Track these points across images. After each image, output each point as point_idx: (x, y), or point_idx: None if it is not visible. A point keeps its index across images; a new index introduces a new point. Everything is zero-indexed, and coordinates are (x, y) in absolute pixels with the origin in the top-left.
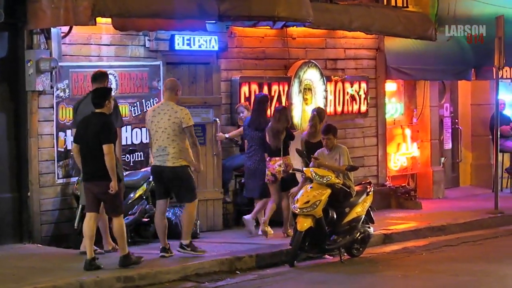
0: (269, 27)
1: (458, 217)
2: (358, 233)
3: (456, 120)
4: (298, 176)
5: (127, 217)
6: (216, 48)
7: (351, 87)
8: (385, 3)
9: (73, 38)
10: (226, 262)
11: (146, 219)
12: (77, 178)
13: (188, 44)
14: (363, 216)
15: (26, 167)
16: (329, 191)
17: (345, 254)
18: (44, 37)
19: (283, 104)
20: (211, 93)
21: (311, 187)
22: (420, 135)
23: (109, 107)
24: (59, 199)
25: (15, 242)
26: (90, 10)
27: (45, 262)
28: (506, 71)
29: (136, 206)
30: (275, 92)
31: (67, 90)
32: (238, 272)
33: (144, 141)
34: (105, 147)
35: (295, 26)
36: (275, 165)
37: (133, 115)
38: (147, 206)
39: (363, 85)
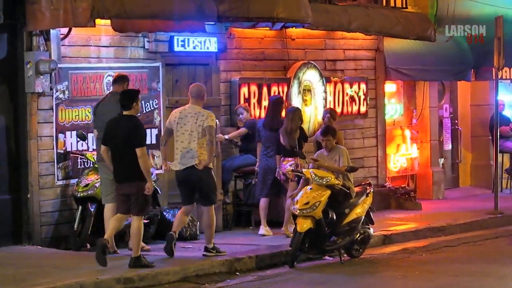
0: (268, 28)
1: (458, 218)
2: (358, 234)
3: (456, 121)
4: None
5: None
6: (215, 49)
7: (351, 88)
8: (384, 3)
9: (72, 40)
10: (226, 263)
11: (146, 221)
12: (76, 180)
13: (187, 45)
14: (363, 217)
15: (25, 169)
16: (328, 192)
17: (345, 255)
18: (43, 39)
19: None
20: (210, 94)
21: (310, 188)
22: (420, 136)
23: (137, 109)
24: (59, 201)
25: (14, 244)
26: (89, 12)
27: (44, 263)
28: (506, 71)
29: None
30: (274, 93)
31: (66, 92)
32: (238, 273)
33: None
34: (138, 151)
35: (294, 27)
36: (287, 165)
37: None
38: None
39: (363, 86)
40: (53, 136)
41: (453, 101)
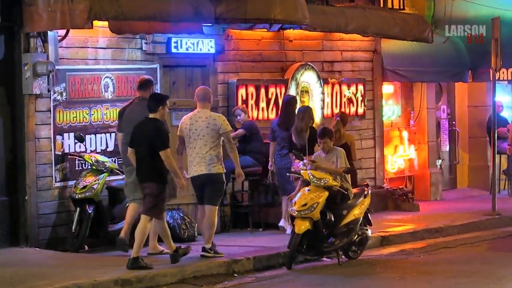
0: (266, 30)
1: (456, 219)
2: (356, 235)
3: (453, 122)
4: None
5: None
6: (212, 50)
7: (348, 89)
8: (381, 5)
9: (70, 42)
10: (224, 265)
11: None
12: (74, 181)
13: (185, 47)
14: (361, 218)
15: (23, 171)
16: (326, 193)
17: (343, 256)
18: (41, 41)
19: (279, 107)
20: None
21: (308, 190)
22: (417, 137)
23: (162, 113)
24: (57, 203)
25: (12, 246)
26: (87, 13)
27: (42, 265)
28: (503, 72)
29: None
30: (272, 94)
31: (64, 94)
32: (236, 275)
33: None
34: (162, 154)
35: (291, 29)
36: (300, 163)
37: None
38: None
39: (360, 87)
40: (50, 137)
41: (451, 102)
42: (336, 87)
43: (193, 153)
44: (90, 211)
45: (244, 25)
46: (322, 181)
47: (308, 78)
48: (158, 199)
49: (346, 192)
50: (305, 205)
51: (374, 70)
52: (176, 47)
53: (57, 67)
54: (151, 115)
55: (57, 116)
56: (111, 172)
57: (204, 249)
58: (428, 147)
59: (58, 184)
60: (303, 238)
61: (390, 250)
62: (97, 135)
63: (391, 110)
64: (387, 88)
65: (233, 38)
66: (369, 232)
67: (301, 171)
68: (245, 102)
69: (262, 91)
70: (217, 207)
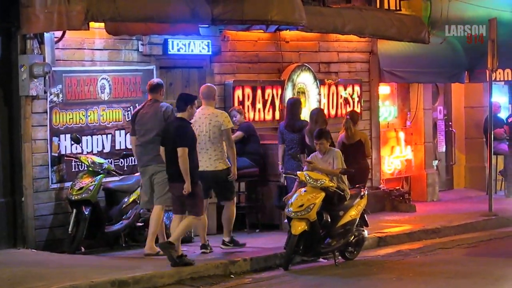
0: (262, 31)
1: (452, 220)
2: (353, 236)
3: (450, 123)
4: None
5: (121, 222)
6: (209, 52)
7: (345, 90)
8: (378, 6)
9: (66, 43)
10: (221, 266)
11: (140, 223)
12: (71, 183)
13: (182, 48)
14: (357, 219)
15: (20, 172)
16: (323, 194)
17: (340, 257)
18: (37, 42)
19: (277, 107)
20: None
21: (305, 191)
22: (414, 138)
23: (191, 112)
24: (53, 204)
25: (9, 247)
26: (83, 15)
27: (39, 267)
28: (499, 73)
29: (130, 211)
30: (268, 95)
31: (60, 95)
32: (233, 276)
33: None
34: (178, 150)
35: (288, 30)
36: None
37: (127, 120)
38: (141, 210)
39: (357, 88)
40: (47, 139)
41: (447, 103)
42: (333, 88)
43: (198, 148)
44: (86, 213)
45: (241, 26)
46: (319, 182)
47: (305, 79)
48: (195, 195)
49: (342, 193)
50: (301, 206)
51: (370, 71)
52: (172, 48)
53: (53, 68)
54: (178, 115)
55: (54, 117)
56: (108, 173)
57: (223, 243)
58: (425, 148)
59: (54, 186)
60: (300, 239)
61: (387, 251)
62: (93, 136)
63: (387, 111)
64: (384, 89)
65: (230, 39)
66: (366, 233)
67: (298, 172)
68: (242, 103)
69: (259, 92)
70: (232, 200)
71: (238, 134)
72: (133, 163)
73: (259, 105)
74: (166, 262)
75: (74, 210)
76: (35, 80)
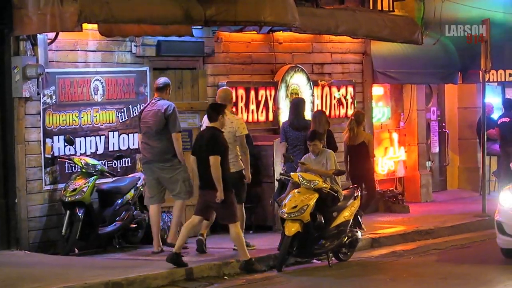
0: (256, 32)
1: (446, 221)
2: (346, 237)
3: (443, 124)
4: None
5: (114, 223)
6: (202, 53)
7: (338, 91)
8: (371, 7)
9: (59, 44)
10: (214, 267)
11: (134, 225)
12: (64, 184)
13: (175, 50)
14: (351, 220)
15: (13, 174)
16: (316, 195)
17: (333, 258)
18: (30, 44)
19: (271, 108)
20: (197, 98)
21: (298, 192)
22: (408, 139)
23: (222, 121)
24: (47, 206)
25: (2, 249)
26: (77, 16)
27: (33, 268)
28: (493, 74)
29: (124, 212)
30: (262, 97)
31: (53, 97)
32: (226, 277)
33: (132, 147)
34: (210, 158)
35: (281, 31)
36: None
37: (120, 121)
38: (135, 212)
39: (350, 89)
40: (40, 141)
41: (441, 104)
42: (326, 89)
43: None
44: (80, 214)
45: (234, 27)
46: (312, 183)
47: (298, 80)
48: (228, 202)
49: (336, 194)
50: (295, 207)
51: (364, 72)
52: (166, 49)
53: (46, 70)
54: (211, 124)
55: (47, 119)
56: (101, 174)
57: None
58: (418, 149)
59: (48, 187)
60: (293, 240)
61: (380, 252)
62: (87, 138)
63: (381, 112)
64: (377, 90)
65: (223, 41)
66: (359, 234)
67: (291, 173)
68: (235, 104)
69: (252, 93)
70: (242, 203)
71: None
72: (126, 165)
73: (252, 106)
74: (160, 264)
75: (68, 212)
76: (28, 81)
